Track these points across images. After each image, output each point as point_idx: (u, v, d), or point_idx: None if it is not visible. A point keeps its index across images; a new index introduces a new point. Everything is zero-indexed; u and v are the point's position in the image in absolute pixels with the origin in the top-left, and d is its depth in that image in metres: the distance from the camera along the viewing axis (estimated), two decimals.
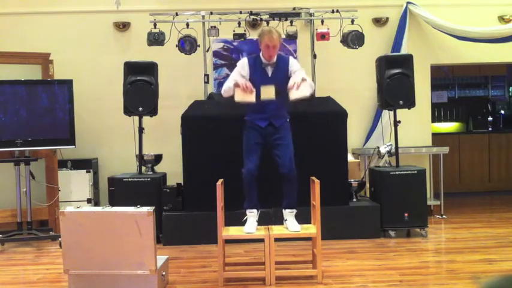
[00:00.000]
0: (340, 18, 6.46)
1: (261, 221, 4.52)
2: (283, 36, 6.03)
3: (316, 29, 6.46)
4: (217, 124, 5.63)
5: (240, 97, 4.31)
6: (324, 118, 5.70)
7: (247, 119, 4.54)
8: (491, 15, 7.29)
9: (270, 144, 4.48)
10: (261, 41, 4.43)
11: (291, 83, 4.30)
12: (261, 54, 4.49)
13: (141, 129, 5.90)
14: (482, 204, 7.84)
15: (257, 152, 4.46)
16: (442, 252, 5.39)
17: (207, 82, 6.51)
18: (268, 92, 4.30)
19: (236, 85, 4.31)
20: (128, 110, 5.85)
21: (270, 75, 4.46)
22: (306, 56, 6.74)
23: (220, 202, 4.24)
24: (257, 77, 4.42)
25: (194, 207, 5.64)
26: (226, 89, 4.44)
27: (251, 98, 4.30)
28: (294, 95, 4.27)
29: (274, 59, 4.46)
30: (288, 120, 4.56)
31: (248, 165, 4.42)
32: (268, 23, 6.33)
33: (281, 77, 4.44)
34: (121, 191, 5.70)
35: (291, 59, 4.57)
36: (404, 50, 6.92)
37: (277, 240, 4.34)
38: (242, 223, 4.42)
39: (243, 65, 4.51)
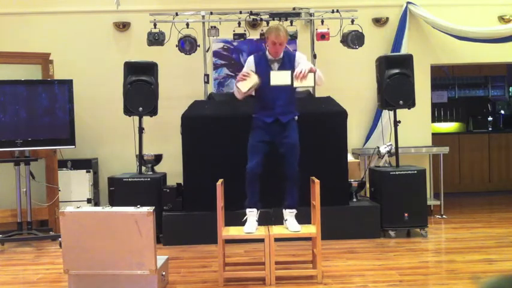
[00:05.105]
0: (340, 18, 6.46)
1: (261, 221, 4.52)
2: None
3: (316, 29, 6.46)
4: (217, 124, 5.63)
5: (245, 86, 4.36)
6: (324, 118, 5.69)
7: (255, 117, 4.56)
8: (491, 15, 7.29)
9: (277, 142, 4.49)
10: (268, 38, 4.49)
11: (297, 70, 4.29)
12: (267, 50, 4.54)
13: (141, 129, 5.90)
14: (482, 204, 7.83)
15: (261, 150, 4.46)
16: (442, 252, 5.39)
17: (207, 82, 6.51)
18: (283, 78, 4.28)
19: (237, 81, 4.40)
20: (128, 110, 5.85)
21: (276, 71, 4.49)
22: (306, 56, 6.72)
23: (220, 202, 4.24)
24: (263, 73, 4.43)
25: (194, 207, 5.63)
26: (234, 89, 4.53)
27: (254, 80, 4.34)
28: (298, 83, 4.29)
29: (281, 55, 4.51)
30: (296, 117, 4.56)
31: (249, 163, 4.44)
32: (268, 23, 6.33)
33: None
34: (121, 191, 5.70)
35: (297, 53, 4.65)
36: (404, 50, 6.92)
37: (277, 240, 4.35)
38: (242, 223, 4.43)
39: (248, 63, 4.60)
